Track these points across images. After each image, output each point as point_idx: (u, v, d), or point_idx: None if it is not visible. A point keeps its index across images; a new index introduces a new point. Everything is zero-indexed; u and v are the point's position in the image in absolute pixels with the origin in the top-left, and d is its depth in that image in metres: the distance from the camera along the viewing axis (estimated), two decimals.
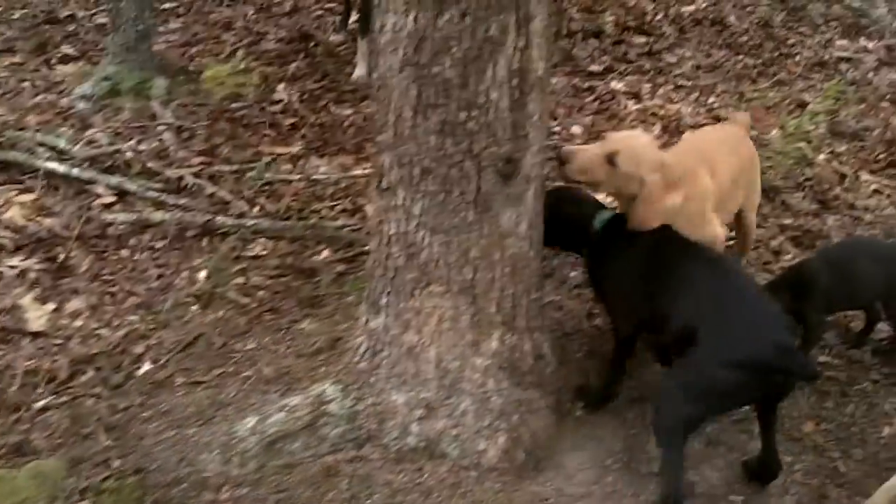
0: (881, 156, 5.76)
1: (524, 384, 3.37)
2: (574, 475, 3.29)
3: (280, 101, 6.06)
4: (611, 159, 3.34)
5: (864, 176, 5.55)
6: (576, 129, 5.98)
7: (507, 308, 3.27)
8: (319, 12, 7.58)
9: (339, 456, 3.25)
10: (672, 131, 6.05)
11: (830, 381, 3.87)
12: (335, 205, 4.98)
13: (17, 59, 6.70)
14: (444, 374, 3.28)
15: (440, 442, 3.28)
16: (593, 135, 5.90)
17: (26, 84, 6.32)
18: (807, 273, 3.88)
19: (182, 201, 4.93)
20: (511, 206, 3.13)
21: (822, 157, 5.64)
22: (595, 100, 6.42)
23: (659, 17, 7.79)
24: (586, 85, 6.60)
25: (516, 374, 3.35)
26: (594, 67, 6.89)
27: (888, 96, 6.59)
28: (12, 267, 4.37)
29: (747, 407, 3.37)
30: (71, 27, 7.28)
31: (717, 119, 6.11)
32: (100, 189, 4.99)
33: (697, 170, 3.57)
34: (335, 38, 7.11)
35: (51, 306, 4.22)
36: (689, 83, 6.77)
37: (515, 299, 3.28)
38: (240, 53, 6.53)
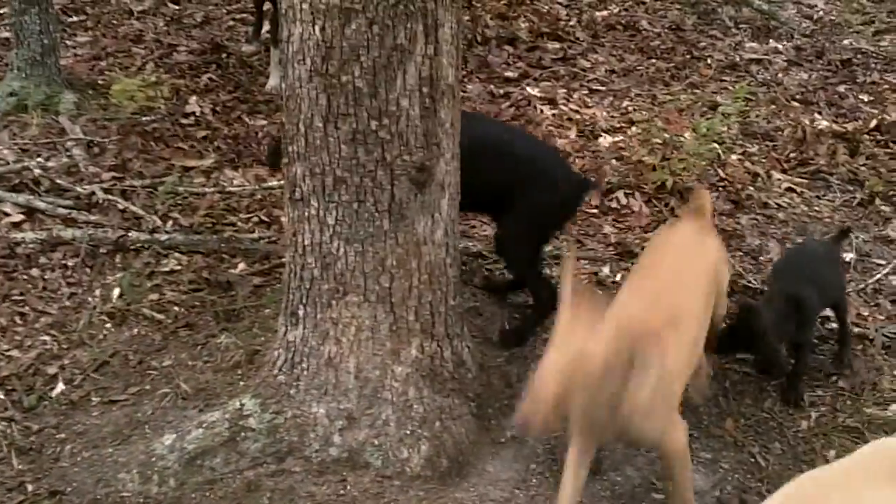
0: (792, 155, 5.93)
1: (445, 391, 3.38)
2: (497, 480, 3.30)
3: (192, 113, 5.96)
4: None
5: (776, 175, 5.71)
6: None
7: (425, 316, 3.28)
8: (231, 23, 7.48)
9: (261, 470, 3.21)
10: (588, 135, 6.14)
11: (748, 378, 3.97)
12: (250, 217, 4.92)
13: None
14: (364, 383, 3.27)
15: (363, 452, 3.27)
16: None
17: None
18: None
19: (93, 218, 4.81)
20: (426, 214, 3.14)
21: (734, 157, 5.79)
22: (511, 106, 6.47)
23: (572, 22, 7.90)
24: (502, 91, 6.66)
25: (437, 382, 3.36)
26: (509, 73, 6.95)
27: (798, 96, 6.80)
28: None
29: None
30: None
31: (632, 122, 6.23)
32: (7, 207, 4.84)
33: (664, 340, 2.72)
34: (247, 48, 7.03)
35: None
36: (604, 88, 6.88)
37: (433, 307, 3.29)
38: (150, 66, 6.41)
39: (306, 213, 3.14)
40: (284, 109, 3.12)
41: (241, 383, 3.64)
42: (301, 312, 3.30)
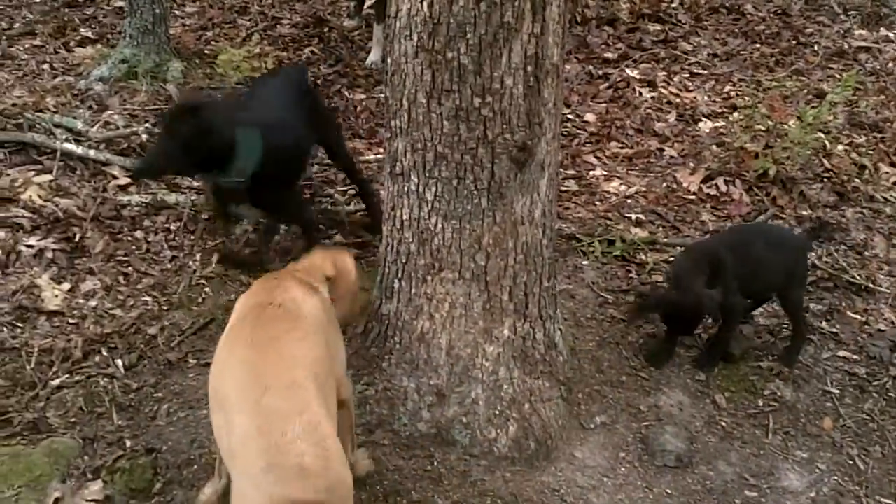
0: None
1: (536, 373, 3.37)
2: (585, 467, 3.29)
3: None
4: None
5: (884, 168, 5.51)
6: (589, 117, 5.95)
7: (519, 296, 3.26)
8: None
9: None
10: (687, 120, 6.02)
11: (850, 377, 3.85)
12: (347, 189, 4.97)
13: (36, 41, 6.71)
14: (455, 361, 3.28)
15: (451, 429, 3.28)
16: (607, 122, 5.89)
17: (45, 66, 6.33)
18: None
19: (196, 184, 4.93)
20: (525, 194, 3.12)
21: (840, 147, 5.60)
22: (609, 87, 6.39)
23: (674, 4, 7.74)
24: (601, 72, 6.57)
25: (528, 363, 3.34)
26: (609, 55, 6.86)
27: None
28: (30, 246, 4.37)
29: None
30: (89, 10, 7.29)
31: (734, 108, 6.08)
32: (115, 171, 4.99)
33: None
34: (349, 23, 7.09)
35: (66, 286, 4.24)
36: (705, 72, 6.73)
37: (528, 287, 3.27)
38: (255, 38, 6.51)
39: (405, 188, 3.15)
40: (388, 84, 3.13)
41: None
42: (396, 286, 3.32)
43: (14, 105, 5.51)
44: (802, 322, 3.92)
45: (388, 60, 3.11)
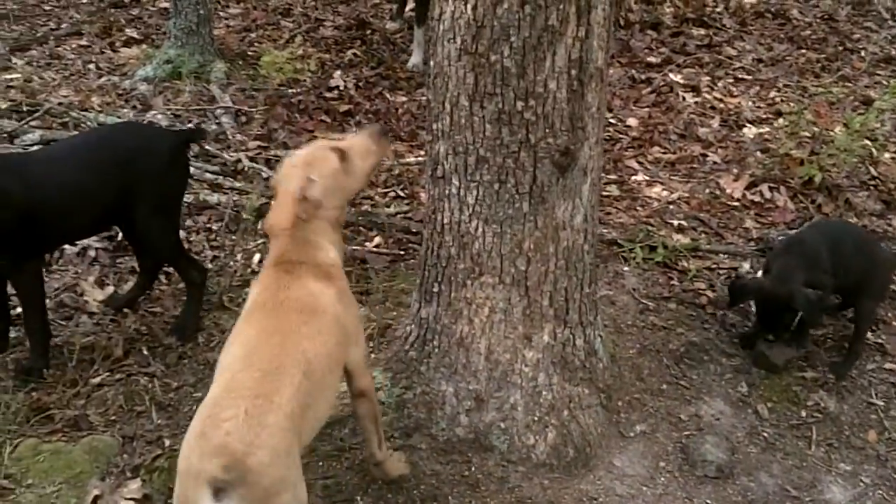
0: None
1: (575, 380, 3.33)
2: (624, 475, 3.24)
3: (336, 87, 6.08)
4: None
5: None
6: (632, 122, 5.91)
7: (559, 301, 3.23)
8: (376, 0, 7.58)
9: (388, 444, 3.23)
10: (731, 125, 5.95)
11: (895, 389, 3.78)
12: (388, 191, 4.97)
13: (83, 41, 6.83)
14: (494, 366, 3.26)
15: (489, 434, 3.26)
16: (650, 127, 5.83)
17: (91, 66, 6.43)
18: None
19: (238, 185, 4.96)
20: (567, 199, 3.09)
21: (887, 155, 5.51)
22: (652, 92, 6.34)
23: (719, 9, 7.68)
24: (644, 76, 6.53)
25: (568, 370, 3.31)
26: (652, 59, 6.81)
27: None
28: (73, 244, 4.42)
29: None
30: (135, 11, 7.41)
31: (779, 114, 5.99)
32: None
33: None
34: (391, 25, 7.11)
35: (109, 286, 4.28)
36: (750, 77, 6.65)
37: (568, 293, 3.24)
38: (297, 39, 6.55)
39: (447, 192, 3.14)
40: (431, 87, 3.12)
41: (373, 356, 3.68)
42: (435, 290, 3.31)
43: (60, 104, 5.60)
44: (864, 335, 3.86)
45: (431, 63, 3.10)
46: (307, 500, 2.41)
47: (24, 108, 5.49)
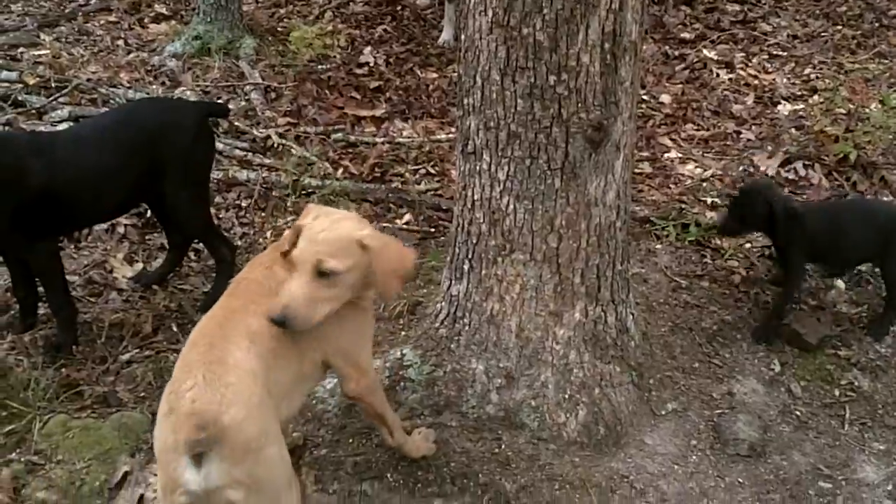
0: None
1: (607, 357, 3.30)
2: (655, 453, 3.21)
3: (366, 63, 6.05)
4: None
5: None
6: (665, 98, 5.83)
7: (591, 279, 3.19)
8: None
9: (418, 422, 3.22)
10: (766, 102, 5.86)
11: None
12: (418, 168, 4.95)
13: (112, 17, 6.83)
14: (525, 343, 3.23)
15: (519, 412, 3.23)
16: (683, 104, 5.76)
17: (120, 42, 6.44)
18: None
19: (268, 161, 4.96)
20: (599, 175, 3.04)
21: None
22: (686, 68, 6.25)
23: None
24: (677, 53, 6.44)
25: (599, 347, 3.28)
26: (685, 35, 6.71)
27: None
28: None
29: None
30: None
31: (814, 91, 5.89)
32: None
33: None
34: (422, 1, 7.05)
35: (138, 262, 4.30)
36: (785, 53, 6.54)
37: (600, 270, 3.20)
38: (327, 15, 6.52)
39: (477, 168, 3.11)
40: (461, 61, 3.08)
41: (403, 333, 3.68)
42: (466, 267, 3.28)
43: (89, 80, 5.61)
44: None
45: (462, 37, 3.06)
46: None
47: (53, 85, 5.51)
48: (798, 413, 3.44)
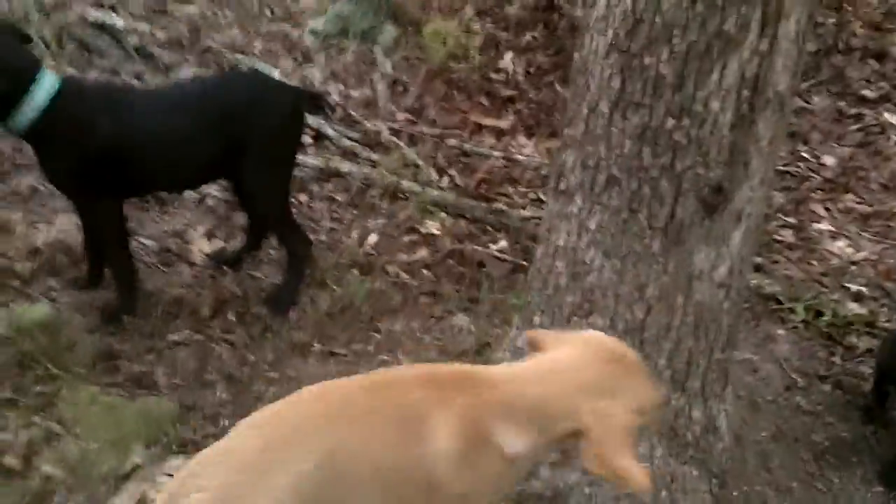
0: None
1: (684, 457, 2.78)
2: None
3: (504, 69, 5.63)
4: None
5: None
6: (828, 160, 5.16)
7: (680, 363, 2.68)
8: None
9: None
10: None
11: None
12: (528, 192, 4.51)
13: None
14: None
15: (569, 496, 2.77)
16: (848, 170, 5.08)
17: (267, 11, 6.26)
18: None
19: (375, 156, 4.64)
20: (710, 245, 2.53)
21: None
22: (860, 130, 5.53)
23: None
24: (853, 111, 5.71)
25: (677, 444, 2.77)
26: (867, 92, 5.96)
27: None
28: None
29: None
30: None
31: None
32: None
33: None
34: (582, 12, 6.57)
35: (218, 239, 4.05)
36: None
37: (692, 356, 2.68)
38: (468, 11, 6.07)
39: (567, 210, 2.65)
40: (571, 84, 2.63)
41: None
42: (537, 320, 2.83)
43: (223, 44, 5.44)
44: None
45: (576, 56, 2.61)
46: None
47: (183, 44, 5.36)
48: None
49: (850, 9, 6.59)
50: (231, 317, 3.59)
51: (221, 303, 3.65)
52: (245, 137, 3.36)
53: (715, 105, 2.35)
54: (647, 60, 2.35)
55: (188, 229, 4.08)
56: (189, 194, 4.24)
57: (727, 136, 2.38)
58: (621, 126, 2.44)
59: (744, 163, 2.43)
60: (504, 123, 5.09)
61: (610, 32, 2.40)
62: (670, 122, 2.38)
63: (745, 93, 2.34)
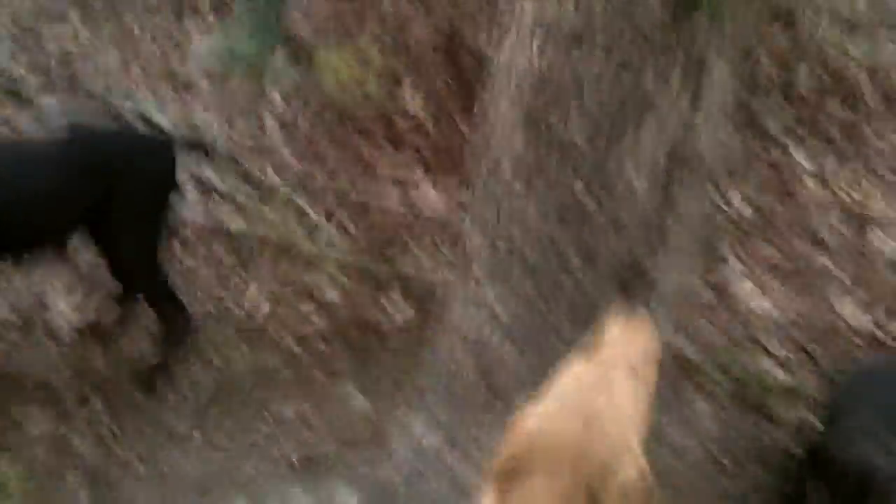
0: None
1: None
2: None
3: (405, 108, 5.33)
4: None
5: None
6: (735, 201, 5.02)
7: None
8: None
9: None
10: (855, 228, 4.99)
11: None
12: (435, 251, 4.21)
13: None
14: None
15: None
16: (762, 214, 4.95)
17: (147, 34, 5.89)
18: None
19: (266, 208, 4.32)
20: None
21: None
22: (768, 167, 5.43)
23: (866, 86, 6.70)
24: (759, 148, 5.62)
25: None
26: (774, 132, 5.90)
27: None
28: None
29: None
30: None
31: None
32: None
33: None
34: (490, 50, 6.36)
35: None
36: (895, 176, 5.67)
37: None
38: (364, 39, 5.78)
39: (472, 291, 2.32)
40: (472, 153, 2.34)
41: (358, 468, 2.95)
42: (444, 418, 2.49)
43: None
44: None
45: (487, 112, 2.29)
46: None
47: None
48: None
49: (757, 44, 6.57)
50: (98, 404, 3.22)
51: (89, 386, 3.28)
52: (107, 197, 3.07)
53: (631, 172, 2.06)
54: (551, 119, 2.05)
55: (47, 289, 3.67)
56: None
57: (647, 207, 2.09)
58: (525, 194, 2.13)
59: (661, 238, 2.15)
60: (407, 172, 4.79)
61: (512, 86, 2.10)
62: (579, 189, 2.07)
63: (662, 160, 2.06)
